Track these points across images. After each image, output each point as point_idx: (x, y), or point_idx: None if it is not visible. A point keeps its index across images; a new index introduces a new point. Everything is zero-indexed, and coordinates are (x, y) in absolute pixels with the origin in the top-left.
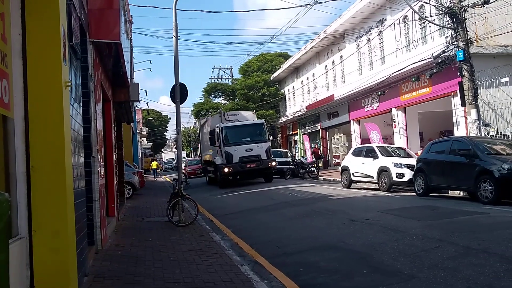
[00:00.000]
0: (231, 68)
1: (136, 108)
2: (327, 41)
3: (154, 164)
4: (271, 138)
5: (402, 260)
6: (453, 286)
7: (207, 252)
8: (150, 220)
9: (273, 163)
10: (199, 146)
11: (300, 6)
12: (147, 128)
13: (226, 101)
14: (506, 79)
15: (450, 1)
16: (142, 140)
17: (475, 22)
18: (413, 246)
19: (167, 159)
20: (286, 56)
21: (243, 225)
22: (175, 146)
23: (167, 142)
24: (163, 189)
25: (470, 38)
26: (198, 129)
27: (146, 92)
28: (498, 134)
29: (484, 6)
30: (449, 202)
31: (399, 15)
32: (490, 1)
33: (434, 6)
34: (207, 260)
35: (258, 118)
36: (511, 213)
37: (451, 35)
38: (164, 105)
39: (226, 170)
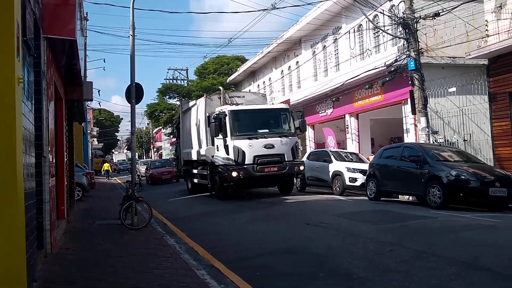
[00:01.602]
0: (187, 70)
1: (88, 107)
2: (284, 46)
3: (106, 166)
4: (298, 132)
5: (357, 264)
6: None
7: (161, 256)
8: (101, 223)
9: (301, 167)
10: (177, 141)
11: (258, 10)
12: (98, 128)
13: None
14: (454, 89)
15: (403, 12)
16: (93, 140)
17: (426, 34)
18: (367, 250)
19: (118, 160)
20: (243, 60)
21: (198, 228)
22: (126, 147)
23: (118, 143)
24: (114, 191)
25: (421, 48)
26: (179, 115)
27: (98, 92)
28: (445, 142)
29: (435, 18)
30: (400, 207)
31: (354, 23)
32: (441, 14)
33: (388, 16)
34: (162, 264)
35: None
36: (458, 217)
37: (403, 45)
38: (117, 105)
39: (234, 174)
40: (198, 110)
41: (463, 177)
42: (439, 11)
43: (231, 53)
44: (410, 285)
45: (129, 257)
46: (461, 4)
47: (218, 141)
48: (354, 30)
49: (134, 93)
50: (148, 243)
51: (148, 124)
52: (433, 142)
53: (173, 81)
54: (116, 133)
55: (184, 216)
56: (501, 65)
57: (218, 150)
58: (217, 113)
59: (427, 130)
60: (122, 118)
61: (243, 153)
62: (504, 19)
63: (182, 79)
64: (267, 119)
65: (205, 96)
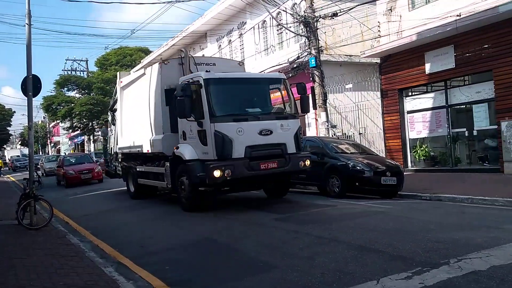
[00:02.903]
0: (87, 60)
1: None
2: (189, 39)
3: None
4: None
5: (264, 252)
6: (309, 273)
7: (66, 256)
8: None
9: (307, 162)
10: (109, 128)
11: (164, 2)
12: None
13: (80, 95)
14: (350, 85)
15: (304, 11)
16: None
17: (325, 32)
18: (273, 238)
19: (12, 157)
20: (146, 51)
21: (103, 226)
22: (20, 143)
23: (11, 138)
24: (7, 190)
25: (321, 46)
26: (114, 93)
27: None
28: (343, 135)
29: (333, 18)
30: (302, 197)
31: (258, 19)
32: (338, 14)
33: (290, 14)
34: (67, 263)
35: None
36: (354, 205)
37: (305, 43)
38: (9, 97)
39: (216, 174)
40: (150, 83)
41: (358, 167)
42: (337, 11)
43: (134, 44)
44: (312, 269)
45: (30, 258)
46: (357, 5)
47: (186, 125)
48: (258, 26)
49: (31, 86)
50: (50, 243)
51: (44, 117)
52: (332, 136)
53: (72, 73)
54: (8, 128)
55: (86, 213)
56: (391, 63)
57: (185, 139)
58: (186, 82)
59: (327, 124)
60: (14, 112)
61: (230, 142)
62: (394, 21)
63: (81, 70)
64: (259, 93)
65: (160, 61)
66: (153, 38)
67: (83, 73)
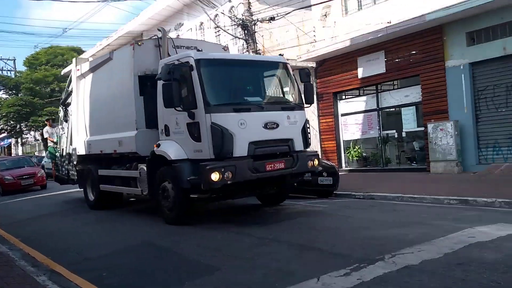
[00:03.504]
0: (15, 60)
1: None
2: (125, 39)
3: None
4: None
5: (206, 254)
6: (251, 274)
7: None
8: None
9: (316, 162)
10: (60, 126)
11: (98, 1)
12: None
13: (7, 96)
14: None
15: (242, 14)
16: None
17: (263, 36)
18: (215, 240)
19: None
20: (79, 51)
21: (35, 233)
22: None
23: None
24: None
25: (258, 49)
26: (69, 83)
27: None
28: None
29: (270, 22)
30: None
31: (196, 21)
32: (276, 18)
33: (228, 17)
34: None
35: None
36: (294, 205)
37: (243, 46)
38: None
39: (215, 177)
40: (118, 68)
41: None
42: (274, 16)
43: (66, 43)
44: (254, 270)
45: None
46: (293, 10)
47: (169, 118)
48: (196, 28)
49: None
50: None
51: None
52: None
53: None
54: None
55: (17, 220)
56: (326, 68)
57: (168, 135)
58: (175, 63)
59: None
60: None
61: (230, 137)
62: (329, 26)
63: (9, 70)
64: (260, 79)
65: (132, 42)
66: (86, 37)
67: (11, 73)
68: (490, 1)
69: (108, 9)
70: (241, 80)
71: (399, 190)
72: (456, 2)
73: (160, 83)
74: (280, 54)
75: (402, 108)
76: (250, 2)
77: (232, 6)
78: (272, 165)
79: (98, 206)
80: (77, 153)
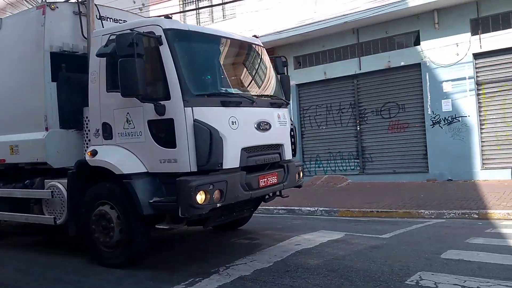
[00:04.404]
0: None
1: None
2: None
3: None
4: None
5: (21, 280)
6: None
7: None
8: None
9: (301, 174)
10: None
11: None
12: None
13: None
14: None
15: None
16: None
17: None
18: (37, 264)
19: None
20: None
21: None
22: None
23: None
24: None
25: None
26: None
27: None
28: None
29: None
30: None
31: None
32: None
33: None
34: None
35: None
36: None
37: None
38: None
39: (200, 199)
40: (18, 41)
41: None
42: None
43: None
44: None
45: None
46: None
47: (114, 112)
48: None
49: None
50: None
51: None
52: None
53: None
54: None
55: None
56: None
57: (109, 137)
58: (139, 33)
59: None
60: None
61: (220, 140)
62: None
63: None
64: (244, 63)
65: (44, 3)
66: None
67: None
68: (313, 30)
69: None
70: (224, 63)
71: None
72: (285, 28)
73: (95, 61)
74: (254, 36)
75: None
76: None
77: None
78: (266, 180)
79: None
80: None
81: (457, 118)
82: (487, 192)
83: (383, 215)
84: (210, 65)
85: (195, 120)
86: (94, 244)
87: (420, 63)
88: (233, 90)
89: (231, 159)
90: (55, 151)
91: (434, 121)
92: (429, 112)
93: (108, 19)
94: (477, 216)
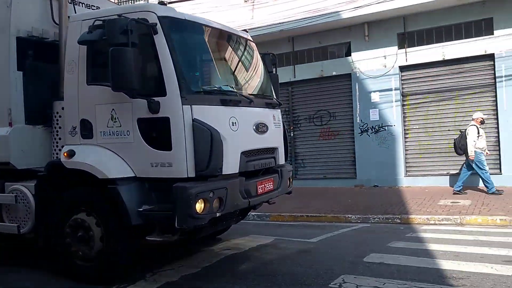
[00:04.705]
0: None
1: None
2: None
3: None
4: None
5: None
6: None
7: None
8: None
9: (291, 180)
10: None
11: None
12: None
13: None
14: None
15: None
16: None
17: None
18: None
19: None
20: None
21: None
22: None
23: None
24: None
25: None
26: None
27: None
28: None
29: None
30: None
31: None
32: None
33: None
34: None
35: None
36: None
37: None
38: None
39: (199, 207)
40: None
41: None
42: None
43: None
44: None
45: None
46: None
47: (96, 108)
48: None
49: None
50: None
51: None
52: None
53: None
54: None
55: None
56: None
57: (89, 136)
58: (134, 19)
59: None
60: None
61: (220, 143)
62: None
63: None
64: (238, 58)
65: None
66: None
67: None
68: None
69: None
70: (223, 58)
71: None
72: None
73: (73, 50)
74: (244, 30)
75: None
76: None
77: None
78: (263, 186)
79: None
80: None
81: (384, 127)
82: (410, 198)
83: (312, 219)
84: (210, 59)
85: (194, 120)
86: (69, 257)
87: (350, 73)
88: (233, 88)
89: (231, 164)
90: (19, 150)
91: (362, 129)
92: (358, 121)
93: (81, 4)
94: (399, 221)
